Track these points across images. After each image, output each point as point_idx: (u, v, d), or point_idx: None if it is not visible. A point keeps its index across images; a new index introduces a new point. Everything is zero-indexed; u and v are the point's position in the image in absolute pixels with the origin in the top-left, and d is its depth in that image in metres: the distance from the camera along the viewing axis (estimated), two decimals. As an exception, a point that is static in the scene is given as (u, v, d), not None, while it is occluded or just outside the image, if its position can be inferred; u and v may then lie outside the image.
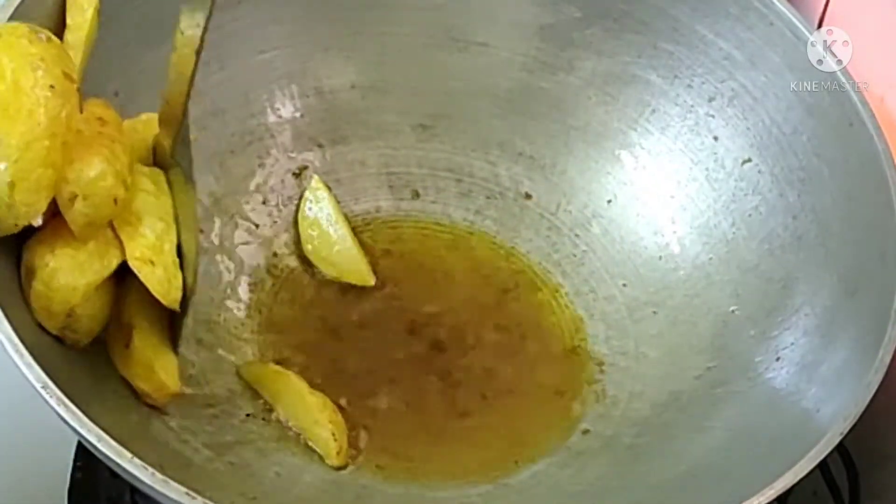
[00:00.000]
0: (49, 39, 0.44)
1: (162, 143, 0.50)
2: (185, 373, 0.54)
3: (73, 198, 0.44)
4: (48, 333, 0.46)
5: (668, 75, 0.62)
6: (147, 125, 0.51)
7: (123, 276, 0.47)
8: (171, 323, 0.50)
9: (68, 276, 0.45)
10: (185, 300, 0.48)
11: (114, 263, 0.46)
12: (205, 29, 0.46)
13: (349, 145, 0.64)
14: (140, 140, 0.50)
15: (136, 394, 0.49)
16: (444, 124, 0.65)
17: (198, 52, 0.46)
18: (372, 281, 0.60)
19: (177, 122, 0.49)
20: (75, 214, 0.44)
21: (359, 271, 0.60)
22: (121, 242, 0.46)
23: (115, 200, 0.45)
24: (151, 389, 0.48)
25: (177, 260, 0.48)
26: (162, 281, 0.47)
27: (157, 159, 0.51)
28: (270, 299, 0.59)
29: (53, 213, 0.45)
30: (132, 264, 0.46)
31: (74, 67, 0.45)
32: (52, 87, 0.42)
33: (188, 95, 0.48)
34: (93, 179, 0.44)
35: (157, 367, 0.48)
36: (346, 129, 0.64)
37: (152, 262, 0.46)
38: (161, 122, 0.50)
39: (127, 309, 0.48)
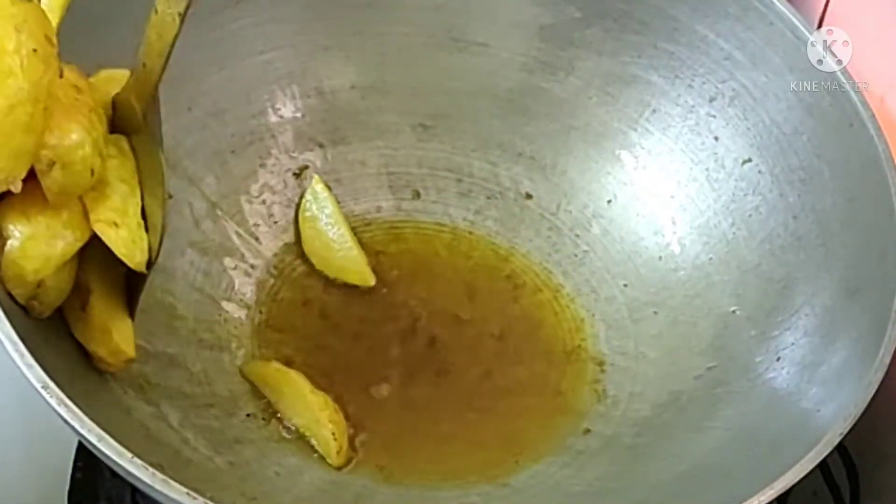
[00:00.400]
0: (30, 0, 0.42)
1: (130, 104, 0.48)
2: (186, 372, 0.54)
3: (51, 165, 0.43)
4: (48, 334, 0.46)
5: (669, 75, 0.62)
6: (106, 82, 0.49)
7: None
8: (128, 290, 0.49)
9: (42, 245, 0.44)
10: (148, 264, 0.47)
11: (87, 234, 0.45)
12: None
13: (350, 145, 0.64)
14: (99, 98, 0.48)
15: (136, 392, 0.49)
16: (444, 124, 0.65)
17: (182, 17, 0.44)
18: (372, 281, 0.60)
19: (151, 87, 0.47)
20: (51, 182, 0.43)
21: (359, 271, 0.60)
22: (86, 208, 0.45)
23: (92, 171, 0.44)
24: (107, 354, 0.47)
25: (142, 222, 0.47)
26: (127, 243, 0.45)
27: (118, 122, 0.49)
28: (271, 299, 0.59)
29: (25, 178, 0.43)
30: (96, 227, 0.45)
31: (54, 31, 0.43)
32: (34, 50, 0.41)
33: (167, 61, 0.46)
34: (71, 147, 0.43)
35: (113, 331, 0.47)
36: (347, 129, 0.64)
37: (116, 224, 0.45)
38: (135, 85, 0.48)
39: (85, 272, 0.47)
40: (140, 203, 0.47)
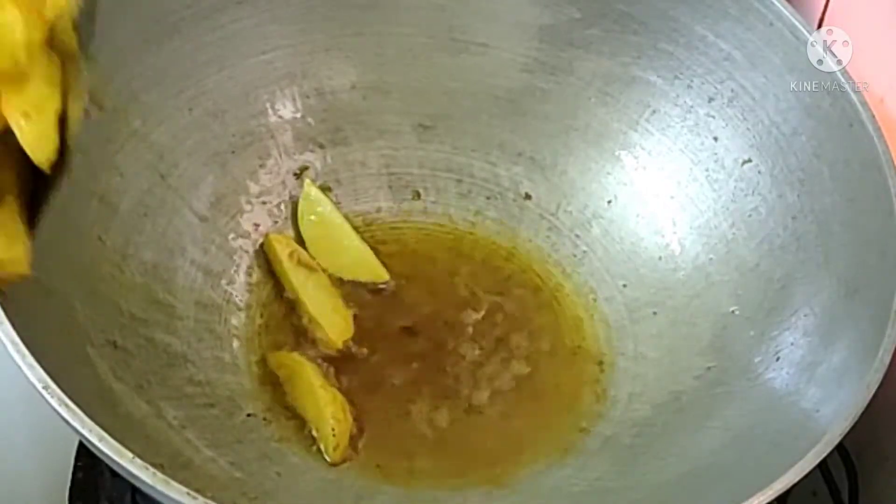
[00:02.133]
0: None
1: (68, 29, 0.47)
2: (187, 372, 0.54)
3: None
4: (49, 334, 0.46)
5: (668, 76, 0.62)
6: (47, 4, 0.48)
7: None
8: (32, 206, 0.48)
9: None
10: (54, 175, 0.46)
11: (1, 125, 0.44)
12: None
13: (350, 146, 0.64)
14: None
15: (136, 392, 0.49)
16: (444, 125, 0.65)
17: None
18: (385, 275, 0.60)
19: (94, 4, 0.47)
20: None
21: (371, 267, 0.60)
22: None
23: (16, 63, 0.43)
24: (5, 259, 0.46)
25: (56, 125, 0.46)
26: (36, 137, 0.44)
27: (54, 46, 0.47)
28: (271, 300, 0.59)
29: None
30: (7, 114, 0.44)
31: None
32: None
33: None
34: (3, 25, 0.42)
35: (15, 241, 0.46)
36: (347, 129, 0.64)
37: (29, 116, 0.44)
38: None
39: None
40: (59, 109, 0.46)
